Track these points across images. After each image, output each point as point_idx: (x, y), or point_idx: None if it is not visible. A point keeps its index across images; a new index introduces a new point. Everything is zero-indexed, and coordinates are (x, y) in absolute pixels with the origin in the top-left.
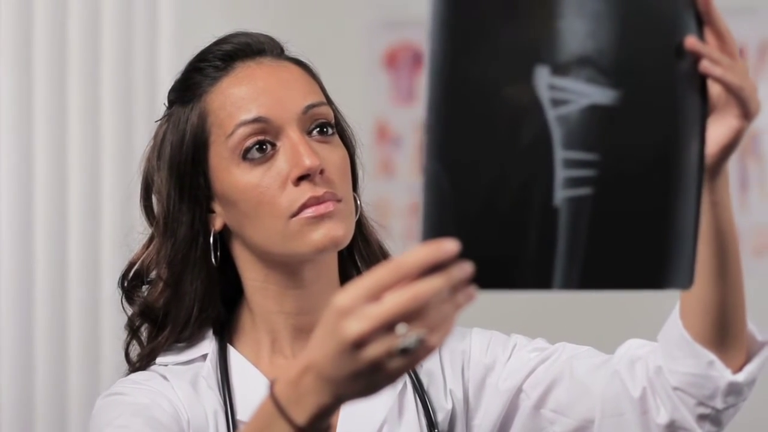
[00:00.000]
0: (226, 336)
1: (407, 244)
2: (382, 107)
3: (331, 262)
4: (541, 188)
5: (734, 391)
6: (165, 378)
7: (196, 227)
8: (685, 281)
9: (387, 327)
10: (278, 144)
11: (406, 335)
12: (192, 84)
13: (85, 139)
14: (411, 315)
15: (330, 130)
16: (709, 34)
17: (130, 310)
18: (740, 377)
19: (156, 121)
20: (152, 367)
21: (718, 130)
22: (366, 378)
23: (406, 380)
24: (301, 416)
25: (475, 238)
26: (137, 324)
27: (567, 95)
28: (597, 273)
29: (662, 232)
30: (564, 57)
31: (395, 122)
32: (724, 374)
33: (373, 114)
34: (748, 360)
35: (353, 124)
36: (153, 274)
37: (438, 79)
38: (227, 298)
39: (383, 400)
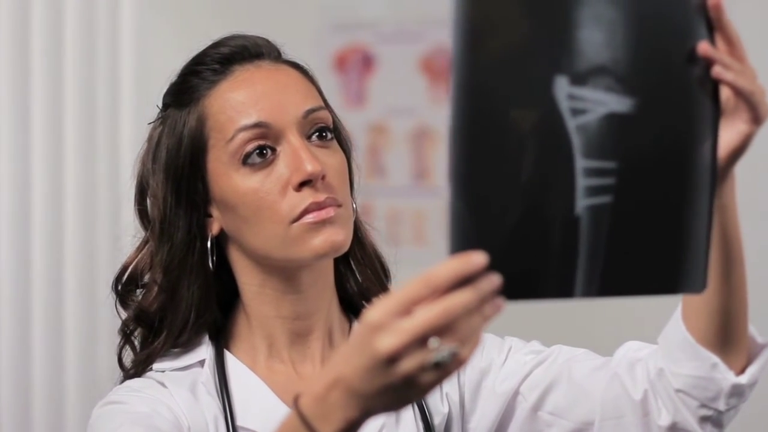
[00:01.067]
0: (222, 341)
1: None
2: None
3: (328, 267)
4: (563, 198)
5: (737, 392)
6: (163, 385)
7: (193, 232)
8: (698, 285)
9: (420, 341)
10: (278, 149)
11: (438, 349)
12: (189, 87)
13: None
14: (443, 329)
15: (329, 135)
16: (719, 39)
17: (123, 315)
18: (743, 379)
19: (149, 123)
20: (149, 374)
21: (727, 135)
22: (397, 392)
23: None
24: (328, 430)
25: (500, 249)
26: (131, 328)
27: (586, 104)
28: (616, 280)
29: (677, 237)
30: (582, 66)
31: (346, 125)
32: (727, 376)
33: None
34: (749, 362)
35: None
36: (147, 278)
37: (461, 91)
38: (223, 303)
39: None
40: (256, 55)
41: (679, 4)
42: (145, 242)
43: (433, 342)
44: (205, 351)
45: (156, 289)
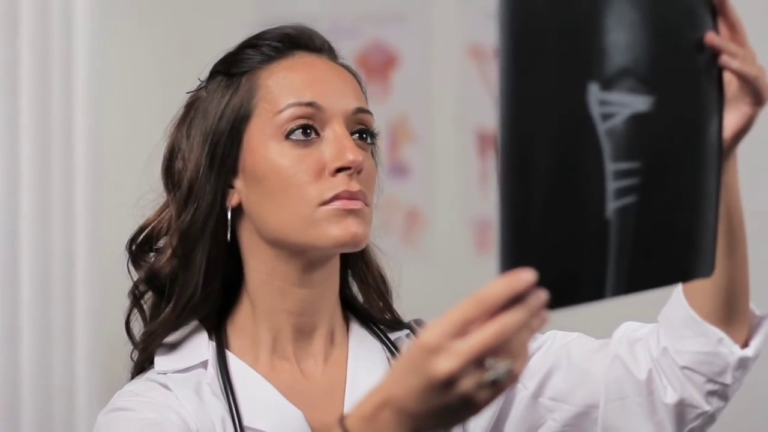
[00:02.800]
0: (222, 338)
1: None
2: None
3: (336, 269)
4: (596, 204)
5: (743, 365)
6: (166, 387)
7: (217, 198)
8: (708, 268)
9: (476, 362)
10: (322, 134)
11: (494, 367)
12: (244, 57)
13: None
14: (498, 348)
15: (369, 139)
16: (722, 25)
17: (135, 277)
18: (749, 352)
19: (187, 93)
20: (150, 376)
21: (732, 117)
22: (453, 412)
23: None
24: None
25: (543, 262)
26: (141, 291)
27: (613, 108)
28: (639, 276)
29: (692, 225)
30: (609, 70)
31: None
32: (733, 350)
33: None
34: (750, 334)
35: None
36: (162, 242)
37: (508, 100)
38: (225, 293)
39: None
40: (319, 49)
41: None
42: (166, 205)
43: (490, 361)
44: (206, 351)
45: (169, 252)
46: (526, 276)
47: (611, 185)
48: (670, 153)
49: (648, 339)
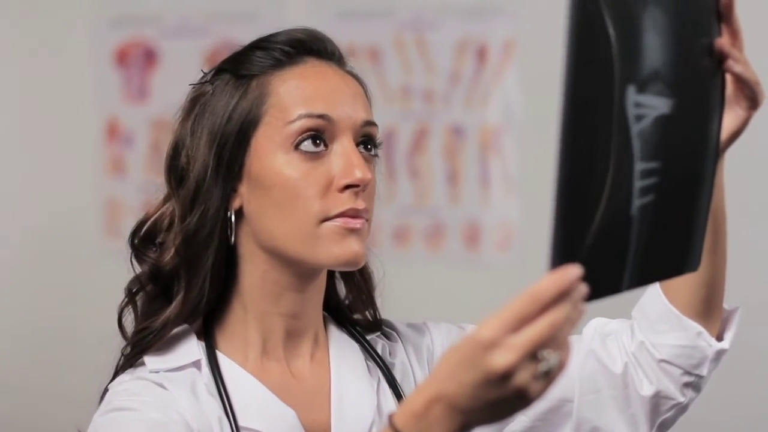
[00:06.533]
0: (211, 338)
1: None
2: (113, 105)
3: (325, 273)
4: (625, 201)
5: (718, 358)
6: (162, 386)
7: (224, 203)
8: (695, 263)
9: (531, 355)
10: (331, 146)
11: (547, 358)
12: (254, 59)
13: None
14: (549, 340)
15: (374, 151)
16: (725, 32)
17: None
18: (726, 344)
19: (191, 85)
20: (142, 375)
21: (728, 120)
22: (507, 405)
23: (380, 376)
24: None
25: (585, 258)
26: (144, 284)
27: (645, 110)
28: (649, 270)
29: (691, 222)
30: (644, 73)
31: (126, 120)
32: (711, 343)
33: (103, 112)
34: (723, 328)
35: (83, 122)
36: (163, 238)
37: (569, 99)
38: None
39: (369, 397)
40: (330, 55)
41: (702, 2)
42: (167, 199)
43: (542, 353)
44: (197, 351)
45: (173, 250)
46: (574, 271)
47: (637, 184)
48: (682, 153)
49: (620, 333)
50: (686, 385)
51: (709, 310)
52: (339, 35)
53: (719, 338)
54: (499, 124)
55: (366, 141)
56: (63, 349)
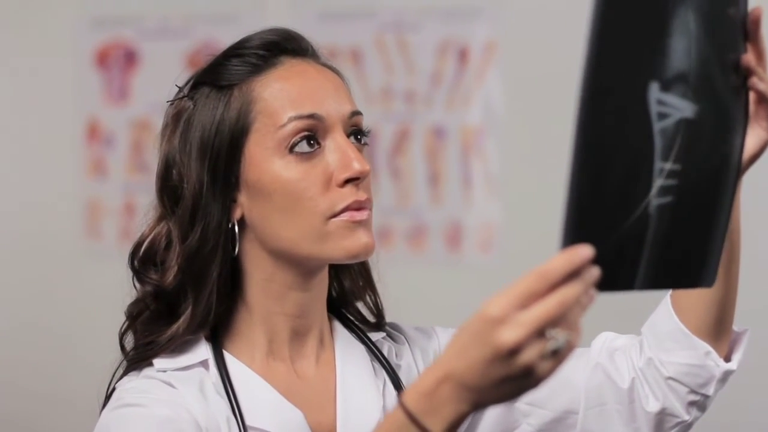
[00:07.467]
0: (218, 339)
1: (123, 244)
2: (93, 106)
3: (327, 271)
4: (643, 196)
5: (725, 378)
6: (170, 385)
7: (224, 216)
8: (710, 279)
9: (539, 332)
10: (323, 143)
11: (555, 337)
12: (231, 68)
13: None
14: (558, 319)
15: (364, 140)
16: (750, 50)
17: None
18: (733, 365)
19: (168, 102)
20: (150, 374)
21: (749, 141)
22: (516, 382)
23: (385, 378)
24: (438, 425)
25: (598, 242)
26: (147, 306)
27: (668, 109)
28: (661, 274)
29: (707, 235)
30: (669, 73)
31: (107, 121)
32: (719, 363)
33: (84, 113)
34: (731, 349)
35: (63, 123)
36: (163, 256)
37: (587, 90)
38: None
39: (375, 399)
40: (304, 53)
41: (731, 18)
42: (160, 218)
43: (551, 332)
44: (205, 351)
45: (176, 269)
46: (585, 251)
47: (657, 182)
48: (703, 163)
49: (629, 349)
50: (692, 403)
51: (719, 331)
52: (320, 36)
53: (727, 359)
54: (480, 125)
55: (356, 131)
56: (42, 349)
